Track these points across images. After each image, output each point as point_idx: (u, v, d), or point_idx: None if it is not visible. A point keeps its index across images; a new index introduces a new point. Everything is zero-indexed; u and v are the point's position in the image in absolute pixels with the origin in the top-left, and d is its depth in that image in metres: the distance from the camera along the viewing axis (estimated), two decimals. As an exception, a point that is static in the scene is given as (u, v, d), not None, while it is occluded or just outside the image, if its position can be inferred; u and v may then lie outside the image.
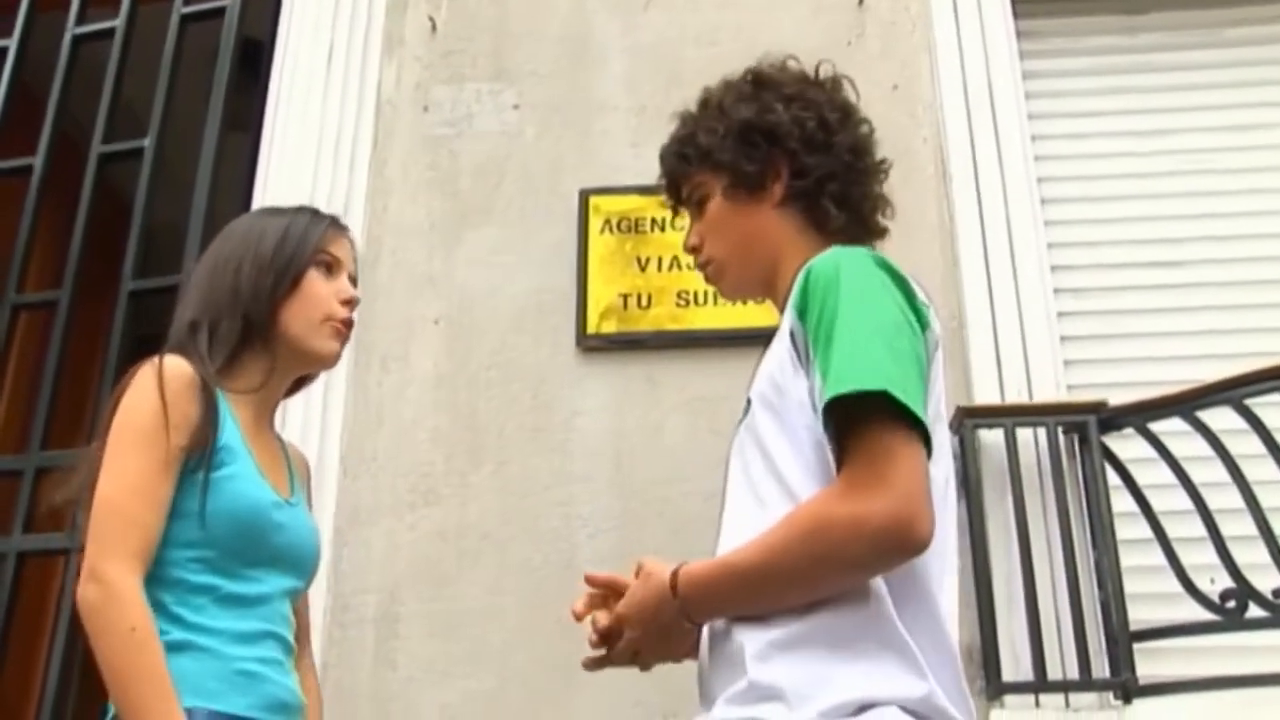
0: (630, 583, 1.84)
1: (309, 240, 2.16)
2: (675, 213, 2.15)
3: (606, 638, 1.85)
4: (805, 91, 2.01)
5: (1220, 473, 3.00)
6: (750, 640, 1.65)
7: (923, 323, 1.74)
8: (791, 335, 1.76)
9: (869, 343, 1.64)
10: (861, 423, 1.61)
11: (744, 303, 3.25)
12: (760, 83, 2.03)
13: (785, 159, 1.95)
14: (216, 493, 1.95)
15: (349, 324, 2.19)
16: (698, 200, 2.03)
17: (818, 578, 1.62)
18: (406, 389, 3.51)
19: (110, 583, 1.82)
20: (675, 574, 1.75)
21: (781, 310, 1.87)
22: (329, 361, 2.21)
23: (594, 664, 1.89)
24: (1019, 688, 3.01)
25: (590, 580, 1.92)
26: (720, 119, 2.00)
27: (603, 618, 1.86)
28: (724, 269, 2.02)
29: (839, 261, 1.74)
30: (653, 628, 1.79)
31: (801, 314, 1.73)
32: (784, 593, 1.64)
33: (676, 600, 1.74)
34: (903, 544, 1.58)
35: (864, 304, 1.68)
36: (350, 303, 2.18)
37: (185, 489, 1.94)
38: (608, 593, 1.90)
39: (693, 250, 2.06)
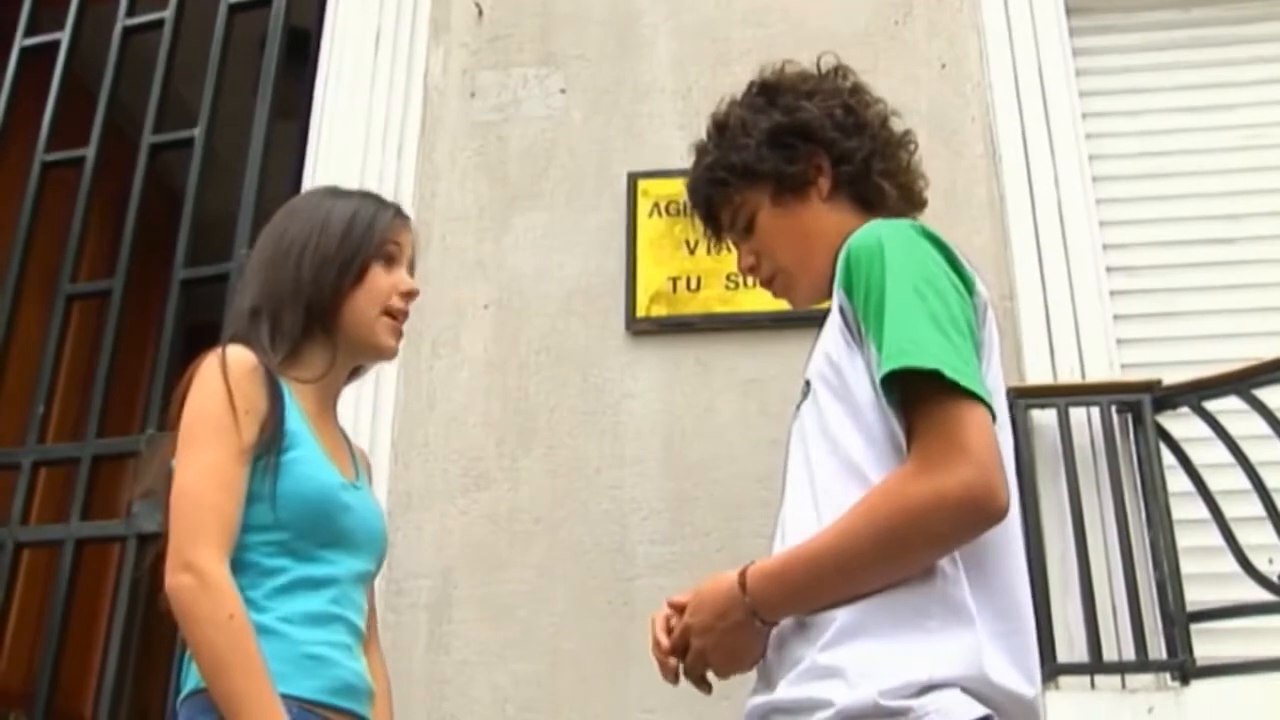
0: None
1: (374, 231, 2.16)
2: (718, 241, 2.13)
3: (674, 653, 1.81)
4: (820, 85, 2.02)
5: (1278, 451, 2.97)
6: (815, 621, 1.65)
7: (969, 287, 1.74)
8: (842, 312, 1.75)
9: (918, 315, 1.64)
10: (925, 398, 1.61)
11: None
12: (771, 89, 2.03)
13: (824, 151, 1.96)
14: (285, 476, 1.98)
15: (405, 316, 2.20)
16: (744, 221, 2.02)
17: (900, 558, 1.61)
18: (457, 374, 3.52)
19: (204, 572, 1.85)
20: (744, 572, 1.72)
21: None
22: (387, 355, 2.23)
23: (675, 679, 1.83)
24: (1074, 669, 2.99)
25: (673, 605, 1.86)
26: (746, 133, 1.99)
27: (665, 639, 1.82)
28: (792, 277, 2.00)
29: (879, 233, 1.75)
30: (719, 631, 1.74)
31: (848, 290, 1.73)
32: (864, 578, 1.63)
33: (746, 597, 1.70)
34: (985, 513, 1.58)
35: (909, 274, 1.68)
36: (409, 295, 2.19)
37: (255, 474, 1.97)
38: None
39: (751, 270, 2.05)
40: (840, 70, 2.06)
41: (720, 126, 2.06)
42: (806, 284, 2.01)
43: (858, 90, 2.04)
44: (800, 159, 1.96)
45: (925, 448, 1.60)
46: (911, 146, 2.06)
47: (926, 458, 1.60)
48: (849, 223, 1.92)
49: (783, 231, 1.98)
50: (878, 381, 1.65)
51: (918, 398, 1.61)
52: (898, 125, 2.06)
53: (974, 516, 1.58)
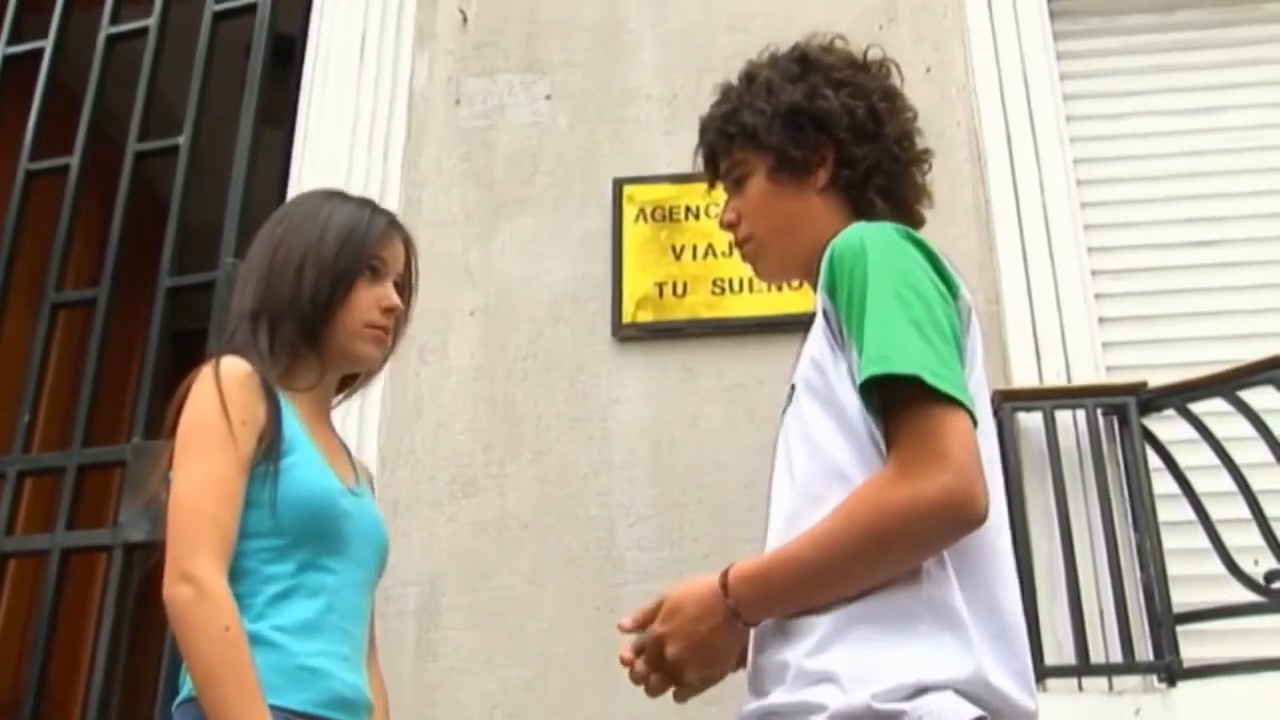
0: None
1: (365, 246, 2.17)
2: (711, 186, 2.11)
3: (640, 657, 1.79)
4: (855, 77, 1.98)
5: (1263, 453, 2.98)
6: (801, 626, 1.65)
7: (952, 290, 1.73)
8: (825, 315, 1.75)
9: (899, 319, 1.63)
10: (905, 402, 1.60)
11: (779, 289, 3.27)
12: (808, 64, 2.00)
13: (832, 146, 1.93)
14: (282, 481, 1.98)
15: (387, 330, 2.20)
16: (737, 177, 2.01)
17: (880, 563, 1.61)
18: (444, 380, 3.53)
19: (201, 583, 1.85)
20: (725, 573, 1.71)
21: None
22: (369, 365, 2.25)
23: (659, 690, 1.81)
24: (1061, 671, 3.00)
25: (625, 629, 1.85)
26: (767, 98, 1.97)
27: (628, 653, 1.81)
28: (763, 250, 2.00)
29: (862, 236, 1.74)
30: (698, 636, 1.72)
31: (831, 293, 1.73)
32: (843, 582, 1.63)
33: (728, 599, 1.69)
34: (964, 518, 1.57)
35: (892, 278, 1.67)
36: (389, 310, 2.19)
37: (254, 481, 1.97)
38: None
39: (729, 226, 2.04)
40: (884, 68, 2.04)
41: (749, 79, 2.03)
42: (775, 261, 2.01)
43: (890, 95, 2.01)
44: (807, 145, 1.93)
45: (905, 453, 1.60)
46: (925, 167, 2.03)
47: (906, 463, 1.59)
48: (835, 220, 1.90)
49: (769, 205, 1.97)
50: (858, 386, 1.65)
51: (897, 402, 1.61)
52: (918, 142, 2.02)
53: (953, 522, 1.58)
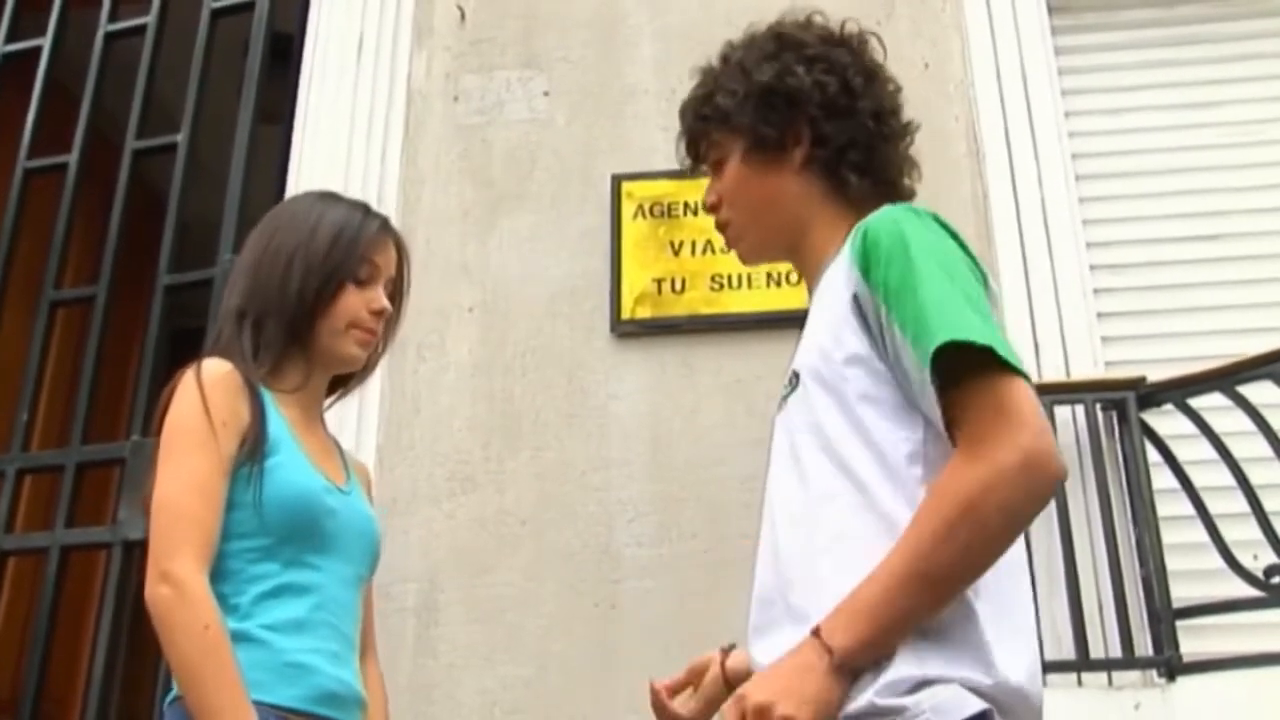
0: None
1: (356, 248, 2.16)
2: (694, 172, 2.09)
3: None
4: (829, 53, 1.95)
5: (1262, 447, 2.98)
6: (805, 619, 1.60)
7: (982, 276, 1.71)
8: (856, 299, 1.70)
9: (956, 296, 1.60)
10: (971, 376, 1.56)
11: (778, 285, 3.27)
12: (783, 41, 1.97)
13: (806, 124, 1.91)
14: (267, 481, 1.98)
15: (373, 332, 2.20)
16: (715, 160, 1.99)
17: (981, 548, 1.54)
18: (442, 377, 3.52)
19: (181, 582, 1.86)
20: (816, 633, 1.56)
21: (810, 279, 1.85)
22: (353, 365, 2.23)
23: None
24: (1061, 666, 2.99)
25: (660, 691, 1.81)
26: (740, 80, 1.95)
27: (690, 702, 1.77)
28: (743, 233, 1.98)
29: (897, 217, 1.71)
30: (805, 691, 1.53)
31: (866, 273, 1.68)
32: (951, 581, 1.54)
33: (829, 650, 1.53)
34: (1046, 477, 1.53)
35: (935, 257, 1.64)
36: (378, 313, 2.19)
37: (238, 481, 1.97)
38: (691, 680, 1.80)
39: (712, 209, 2.02)
40: (860, 42, 2.00)
41: (724, 60, 2.02)
42: (755, 241, 1.99)
43: (867, 70, 1.96)
44: (779, 124, 1.91)
45: (975, 426, 1.55)
46: (908, 140, 1.98)
47: (978, 437, 1.54)
48: (817, 201, 1.90)
49: (746, 187, 1.95)
50: (924, 357, 1.57)
51: (963, 377, 1.56)
52: (900, 115, 1.98)
53: (1036, 484, 1.53)
